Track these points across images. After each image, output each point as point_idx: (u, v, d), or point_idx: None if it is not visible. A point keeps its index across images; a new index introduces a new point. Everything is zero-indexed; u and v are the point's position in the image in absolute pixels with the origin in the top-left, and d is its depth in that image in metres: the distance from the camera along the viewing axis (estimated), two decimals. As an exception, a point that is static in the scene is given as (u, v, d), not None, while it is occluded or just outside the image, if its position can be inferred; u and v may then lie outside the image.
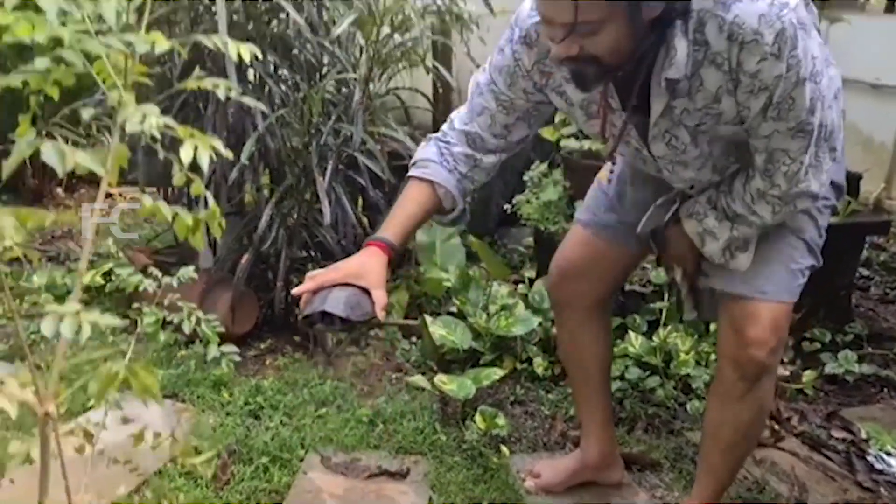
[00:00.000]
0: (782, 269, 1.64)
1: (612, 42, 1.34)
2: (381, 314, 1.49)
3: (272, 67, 2.46)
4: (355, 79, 2.51)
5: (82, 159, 0.75)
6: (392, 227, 1.60)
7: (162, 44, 0.77)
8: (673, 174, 1.63)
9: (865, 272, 3.72)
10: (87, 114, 0.83)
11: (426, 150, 1.68)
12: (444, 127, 1.71)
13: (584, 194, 2.00)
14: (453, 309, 2.81)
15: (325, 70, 2.53)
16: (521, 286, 2.98)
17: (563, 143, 2.93)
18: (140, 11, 0.81)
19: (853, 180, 3.05)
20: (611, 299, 2.04)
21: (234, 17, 2.38)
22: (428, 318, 2.61)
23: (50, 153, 0.73)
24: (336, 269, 1.53)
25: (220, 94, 0.82)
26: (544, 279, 2.90)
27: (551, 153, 3.10)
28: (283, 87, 2.50)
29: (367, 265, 1.52)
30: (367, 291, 1.49)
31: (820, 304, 2.84)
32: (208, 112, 2.40)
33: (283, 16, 2.30)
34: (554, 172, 3.03)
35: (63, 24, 0.73)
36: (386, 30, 2.59)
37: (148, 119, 0.76)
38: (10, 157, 0.72)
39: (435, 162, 1.65)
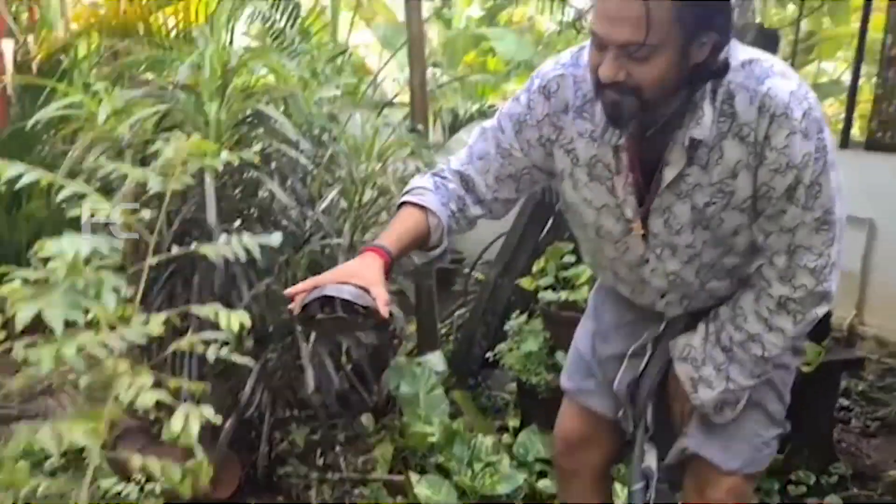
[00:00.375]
0: (747, 446, 1.68)
1: (659, 73, 1.33)
2: (384, 310, 1.38)
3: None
4: (339, 243, 2.60)
5: (77, 437, 0.80)
6: (388, 237, 1.52)
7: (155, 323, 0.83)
8: (658, 263, 1.59)
9: (845, 402, 3.76)
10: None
11: (422, 180, 1.63)
12: (441, 165, 1.69)
13: (564, 345, 2.03)
14: (440, 459, 2.80)
15: (308, 235, 2.62)
16: (505, 435, 2.98)
17: (541, 294, 3.01)
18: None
19: (824, 317, 3.14)
20: (615, 463, 2.02)
21: (223, 190, 2.48)
22: (413, 477, 2.60)
23: (47, 437, 0.78)
24: (332, 271, 1.46)
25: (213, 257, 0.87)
26: (529, 430, 2.92)
27: (531, 303, 3.18)
28: (268, 256, 2.58)
29: (365, 265, 1.44)
30: (366, 290, 1.40)
31: (803, 445, 2.86)
32: (195, 281, 2.46)
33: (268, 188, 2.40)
34: (533, 322, 3.09)
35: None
36: (369, 194, 2.70)
37: (142, 395, 0.81)
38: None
39: (430, 191, 1.59)
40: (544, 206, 3.51)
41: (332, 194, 2.47)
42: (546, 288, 3.05)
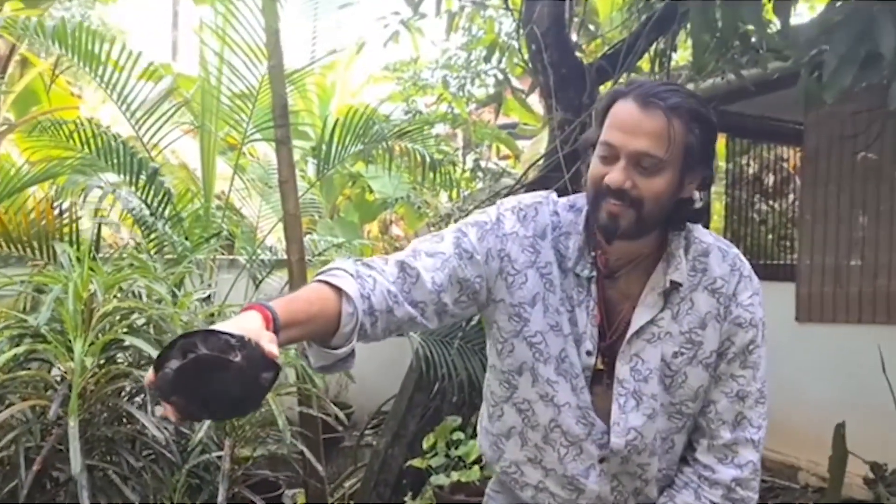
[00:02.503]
0: None
1: (661, 190, 1.38)
2: (268, 346, 1.07)
3: (125, 466, 2.40)
4: (220, 456, 2.49)
5: None
6: (279, 303, 1.21)
7: None
8: (621, 415, 1.49)
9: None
10: None
11: (343, 262, 1.37)
12: (371, 260, 1.43)
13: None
14: None
15: (186, 455, 2.50)
16: None
17: (433, 478, 2.97)
18: None
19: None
20: None
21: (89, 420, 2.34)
22: None
23: None
24: None
25: None
26: None
27: (423, 486, 3.13)
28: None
29: (238, 320, 1.15)
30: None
31: None
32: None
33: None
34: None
35: None
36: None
37: None
38: None
39: (351, 276, 1.32)
40: (429, 377, 3.51)
41: (201, 431, 2.37)
42: (438, 468, 3.01)
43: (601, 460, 1.52)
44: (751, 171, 6.77)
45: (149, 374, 1.07)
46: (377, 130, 3.86)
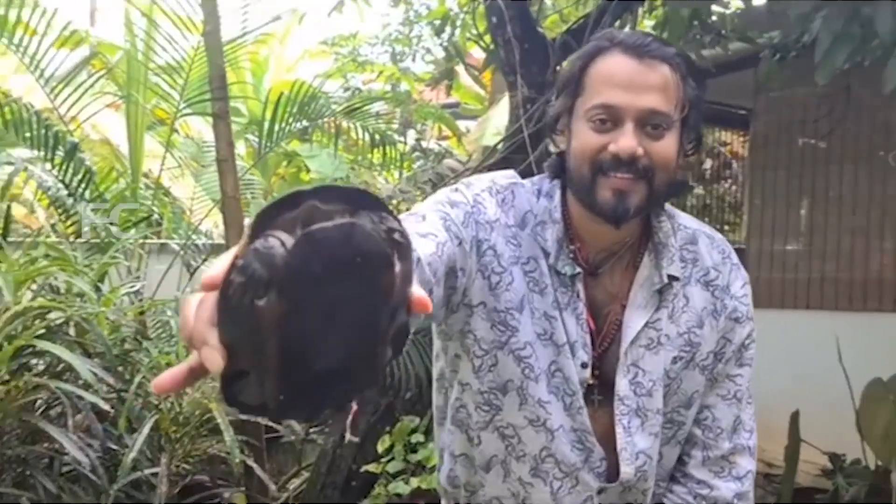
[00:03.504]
0: None
1: (671, 154, 1.19)
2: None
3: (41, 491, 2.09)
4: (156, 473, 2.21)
5: None
6: None
7: None
8: (626, 439, 1.27)
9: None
10: None
11: None
12: None
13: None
14: None
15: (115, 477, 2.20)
16: None
17: (391, 486, 2.75)
18: None
19: None
20: None
21: None
22: None
23: None
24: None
25: None
26: None
27: (372, 488, 2.91)
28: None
29: None
30: None
31: None
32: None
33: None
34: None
35: None
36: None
37: None
38: None
39: None
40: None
41: (147, 427, 2.08)
42: (395, 475, 2.79)
43: (599, 491, 1.29)
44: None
45: (214, 273, 0.59)
46: (323, 106, 3.58)
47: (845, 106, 3.75)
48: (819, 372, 3.86)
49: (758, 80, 3.80)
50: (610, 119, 1.17)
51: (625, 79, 1.17)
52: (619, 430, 1.26)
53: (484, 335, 1.24)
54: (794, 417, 3.71)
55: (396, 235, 0.59)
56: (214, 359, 0.57)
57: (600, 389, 1.27)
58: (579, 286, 1.24)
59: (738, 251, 4.37)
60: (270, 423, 3.03)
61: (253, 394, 0.59)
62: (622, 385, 1.26)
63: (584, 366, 1.25)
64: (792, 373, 4.43)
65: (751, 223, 5.10)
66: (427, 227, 1.10)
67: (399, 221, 0.60)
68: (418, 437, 2.86)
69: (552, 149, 1.30)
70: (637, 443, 1.27)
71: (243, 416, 2.60)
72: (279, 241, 0.55)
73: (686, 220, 1.33)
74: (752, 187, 5.19)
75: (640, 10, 3.77)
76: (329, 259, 0.54)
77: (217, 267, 0.60)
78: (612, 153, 1.16)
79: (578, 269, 1.24)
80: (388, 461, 2.86)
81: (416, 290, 0.62)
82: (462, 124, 7.48)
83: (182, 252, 3.63)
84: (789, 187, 4.87)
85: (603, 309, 1.27)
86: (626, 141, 1.15)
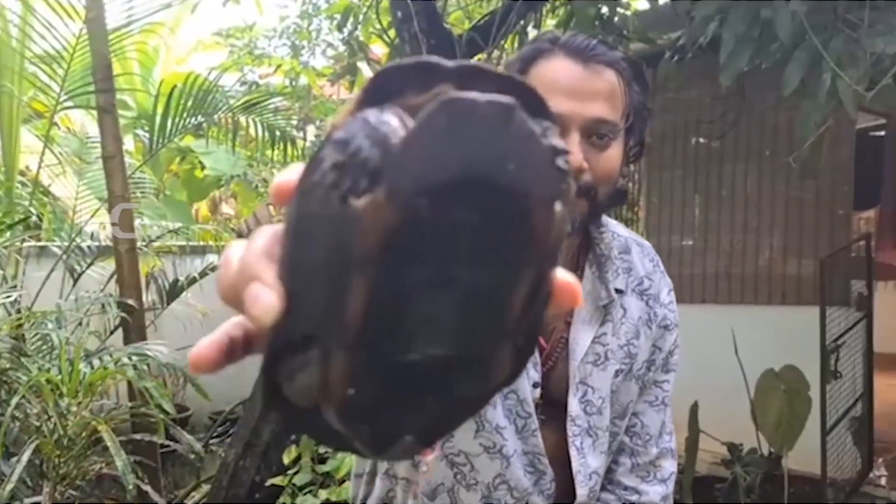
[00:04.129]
0: None
1: (615, 165, 1.13)
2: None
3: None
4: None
5: None
6: None
7: None
8: (580, 460, 1.23)
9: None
10: None
11: None
12: None
13: None
14: None
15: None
16: None
17: (299, 500, 2.63)
18: None
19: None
20: None
21: None
22: None
23: None
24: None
25: None
26: None
27: (276, 500, 2.78)
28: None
29: None
30: None
31: None
32: None
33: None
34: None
35: None
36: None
37: None
38: None
39: None
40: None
41: (27, 453, 1.90)
42: (303, 487, 2.68)
43: None
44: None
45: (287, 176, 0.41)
46: (219, 101, 3.40)
47: (740, 107, 3.86)
48: (716, 364, 3.97)
49: (656, 80, 3.87)
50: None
51: (570, 85, 1.11)
52: (573, 451, 1.22)
53: None
54: (694, 409, 3.81)
55: (561, 162, 0.39)
56: (267, 301, 0.37)
57: (545, 409, 1.23)
58: None
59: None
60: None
61: (310, 385, 0.37)
62: (573, 405, 1.22)
63: (535, 385, 1.21)
64: (690, 366, 4.55)
65: (648, 220, 5.21)
66: None
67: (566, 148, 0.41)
68: (326, 448, 2.75)
69: None
70: (590, 463, 1.24)
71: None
72: (399, 120, 0.37)
73: (617, 227, 1.30)
74: (649, 185, 5.30)
75: (544, 9, 3.76)
76: (471, 149, 0.35)
77: (291, 168, 0.41)
78: (558, 167, 1.09)
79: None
80: (295, 473, 2.74)
81: (563, 273, 0.43)
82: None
83: (65, 256, 3.38)
84: (685, 186, 5.00)
85: (548, 326, 1.23)
86: (575, 157, 1.09)
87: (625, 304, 1.25)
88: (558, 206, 0.38)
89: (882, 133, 4.87)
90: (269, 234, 0.41)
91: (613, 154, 1.13)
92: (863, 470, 4.11)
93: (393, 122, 0.36)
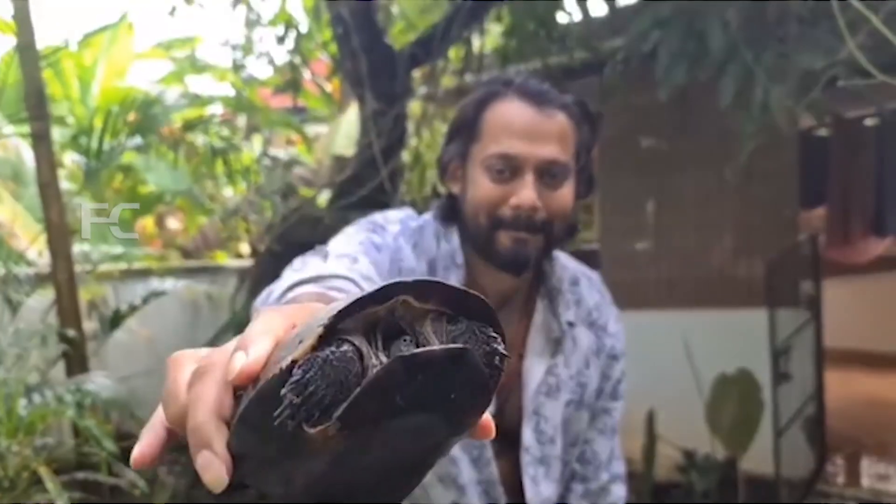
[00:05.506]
0: None
1: (568, 202, 1.19)
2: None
3: None
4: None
5: None
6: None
7: None
8: (534, 487, 1.25)
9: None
10: None
11: (327, 266, 1.02)
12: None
13: None
14: None
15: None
16: None
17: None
18: None
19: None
20: None
21: None
22: None
23: None
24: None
25: None
26: None
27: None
28: None
29: None
30: None
31: None
32: None
33: None
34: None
35: None
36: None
37: None
38: None
39: (351, 281, 0.96)
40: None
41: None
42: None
43: None
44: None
45: (253, 359, 0.45)
46: (160, 115, 3.31)
47: (685, 114, 3.90)
48: (671, 370, 4.01)
49: (602, 87, 3.89)
50: (508, 169, 1.16)
51: (524, 128, 1.16)
52: (526, 480, 1.26)
53: None
54: (650, 416, 3.84)
55: (497, 360, 0.47)
56: (217, 474, 0.43)
57: (499, 439, 1.21)
58: None
59: (592, 252, 4.46)
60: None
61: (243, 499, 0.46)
62: (527, 435, 1.26)
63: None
64: (646, 372, 4.59)
65: (603, 226, 5.23)
66: (365, 271, 1.05)
67: (502, 333, 0.48)
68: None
69: (440, 189, 1.28)
70: (542, 492, 1.28)
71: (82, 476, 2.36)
72: (355, 352, 0.43)
73: (565, 259, 1.34)
74: (602, 190, 5.33)
75: (487, 19, 3.75)
76: (421, 392, 0.42)
77: (256, 345, 0.45)
78: (512, 207, 1.15)
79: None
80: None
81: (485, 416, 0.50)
82: (311, 129, 7.26)
83: (2, 285, 3.25)
84: (637, 190, 5.02)
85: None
86: (526, 194, 1.15)
87: (575, 335, 1.29)
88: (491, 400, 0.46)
89: (826, 133, 4.95)
90: (215, 383, 0.45)
91: (566, 192, 1.18)
92: (816, 468, 4.18)
93: (351, 360, 0.42)
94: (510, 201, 1.15)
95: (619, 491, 1.37)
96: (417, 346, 0.44)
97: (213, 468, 0.43)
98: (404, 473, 0.47)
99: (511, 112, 1.18)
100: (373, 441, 0.43)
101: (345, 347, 0.42)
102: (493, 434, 0.50)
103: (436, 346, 0.43)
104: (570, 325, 1.28)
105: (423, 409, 0.43)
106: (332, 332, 0.43)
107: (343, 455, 0.43)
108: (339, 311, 0.43)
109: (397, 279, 0.46)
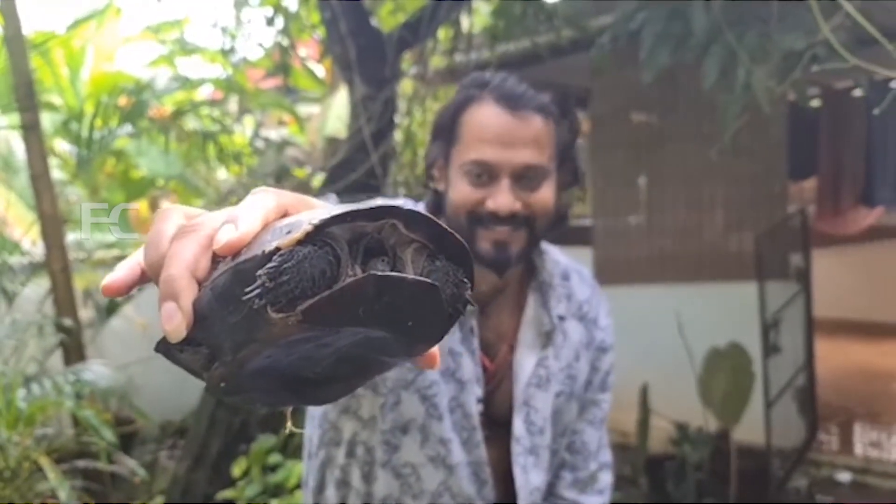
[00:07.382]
0: None
1: (549, 200, 1.21)
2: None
3: None
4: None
5: None
6: None
7: None
8: (523, 477, 1.29)
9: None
10: None
11: None
12: None
13: None
14: None
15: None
16: None
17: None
18: None
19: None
20: None
21: None
22: None
23: None
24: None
25: None
26: None
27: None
28: None
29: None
30: None
31: None
32: None
33: None
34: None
35: None
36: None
37: None
38: None
39: None
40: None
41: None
42: (255, 498, 2.66)
43: None
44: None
45: (242, 233, 0.48)
46: (149, 104, 3.31)
47: (677, 90, 3.91)
48: (663, 344, 4.05)
49: (591, 65, 3.89)
50: (485, 174, 1.18)
51: (498, 134, 1.18)
52: (516, 469, 1.30)
53: (388, 374, 1.21)
54: (644, 390, 3.88)
55: (460, 305, 0.51)
56: (178, 326, 0.47)
57: (491, 426, 1.30)
58: (473, 322, 1.26)
59: (584, 228, 4.46)
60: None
61: (195, 363, 0.50)
62: (517, 425, 1.29)
63: (478, 401, 1.28)
64: (639, 347, 4.64)
65: (595, 202, 5.24)
66: None
67: (472, 279, 0.53)
68: (276, 458, 2.74)
69: (431, 185, 1.29)
70: (532, 480, 1.32)
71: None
72: (335, 258, 0.46)
73: (556, 254, 1.36)
74: (594, 166, 5.34)
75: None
76: (383, 312, 0.46)
77: (245, 222, 0.48)
78: (489, 210, 1.18)
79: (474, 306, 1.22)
80: (248, 485, 2.72)
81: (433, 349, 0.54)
82: (303, 108, 7.23)
83: (-3, 275, 3.27)
84: (628, 166, 5.03)
85: (493, 348, 1.30)
86: (503, 198, 1.17)
87: (566, 329, 1.33)
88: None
89: (817, 103, 4.96)
90: (197, 244, 0.48)
91: (545, 192, 1.20)
92: (808, 437, 4.24)
93: (328, 263, 0.45)
94: (487, 204, 1.18)
95: (607, 479, 1.43)
96: (393, 270, 0.47)
97: (176, 320, 0.46)
98: (343, 377, 0.51)
99: (486, 118, 1.20)
100: (326, 339, 0.47)
101: (326, 250, 0.46)
102: (435, 366, 0.54)
103: (409, 275, 0.47)
104: (561, 318, 1.31)
105: (379, 327, 0.46)
106: (320, 232, 0.46)
107: (295, 343, 0.46)
108: (333, 216, 0.46)
109: (390, 202, 0.49)
